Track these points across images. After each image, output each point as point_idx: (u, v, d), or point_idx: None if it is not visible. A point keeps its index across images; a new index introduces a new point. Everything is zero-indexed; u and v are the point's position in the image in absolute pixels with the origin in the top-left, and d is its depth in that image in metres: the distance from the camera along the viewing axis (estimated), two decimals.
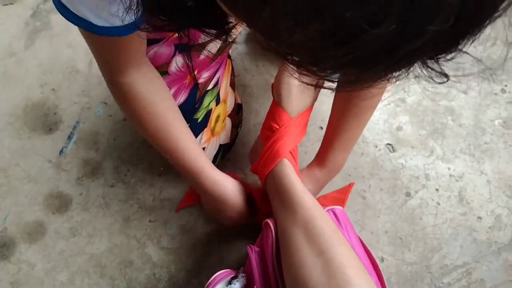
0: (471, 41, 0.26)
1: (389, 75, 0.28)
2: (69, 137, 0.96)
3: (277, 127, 0.73)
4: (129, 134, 0.96)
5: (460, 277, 0.83)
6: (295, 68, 0.29)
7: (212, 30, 0.47)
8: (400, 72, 0.27)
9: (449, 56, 0.27)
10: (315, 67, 0.27)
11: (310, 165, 0.79)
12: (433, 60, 0.27)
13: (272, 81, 0.78)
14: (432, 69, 0.28)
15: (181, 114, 0.69)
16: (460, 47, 0.26)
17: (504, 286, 0.82)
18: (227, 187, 0.73)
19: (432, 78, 0.29)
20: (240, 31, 0.74)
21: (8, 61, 1.05)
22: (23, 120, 0.98)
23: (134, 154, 0.94)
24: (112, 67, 0.59)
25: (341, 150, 0.74)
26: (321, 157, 0.76)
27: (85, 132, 0.97)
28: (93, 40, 0.55)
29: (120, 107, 0.67)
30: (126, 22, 0.49)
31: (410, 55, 0.24)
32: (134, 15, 0.42)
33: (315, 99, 0.76)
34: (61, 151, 0.95)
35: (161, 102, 0.64)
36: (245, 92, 1.00)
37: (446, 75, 0.31)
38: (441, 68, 0.28)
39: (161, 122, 0.65)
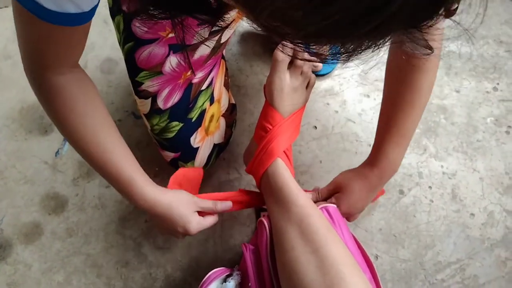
0: (450, 8, 0.26)
1: (373, 43, 0.28)
2: (65, 139, 0.97)
3: (270, 127, 0.73)
4: (124, 136, 0.96)
5: (454, 273, 0.84)
6: (279, 41, 0.29)
7: (204, 16, 0.44)
8: (383, 39, 0.28)
9: (430, 23, 0.27)
10: (297, 35, 0.28)
11: (361, 165, 0.73)
12: (416, 30, 0.28)
13: None
14: (416, 39, 0.29)
15: (114, 124, 0.64)
16: (440, 13, 0.26)
17: (497, 281, 0.83)
18: (163, 204, 0.66)
19: (417, 50, 0.30)
20: (234, 31, 0.75)
21: (4, 63, 1.05)
22: (19, 122, 0.99)
23: None
24: (45, 60, 0.53)
25: (394, 146, 0.67)
26: (373, 155, 0.70)
27: None
28: (32, 26, 0.47)
29: (44, 105, 0.59)
30: (84, 9, 0.45)
31: (389, 19, 0.25)
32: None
33: (307, 98, 0.77)
34: (57, 153, 0.96)
35: (91, 105, 0.60)
36: (240, 93, 1.01)
37: (430, 47, 0.32)
38: (425, 40, 0.29)
39: (90, 126, 0.59)
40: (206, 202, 0.72)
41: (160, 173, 0.93)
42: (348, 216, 0.74)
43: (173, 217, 0.66)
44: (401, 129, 0.65)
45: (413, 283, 0.83)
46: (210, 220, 0.72)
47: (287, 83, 0.73)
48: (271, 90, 0.73)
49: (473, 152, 0.95)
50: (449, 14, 0.77)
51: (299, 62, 0.73)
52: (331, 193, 0.74)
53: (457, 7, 0.29)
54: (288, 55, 0.72)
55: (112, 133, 0.62)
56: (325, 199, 0.74)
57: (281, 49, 0.72)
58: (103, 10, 1.14)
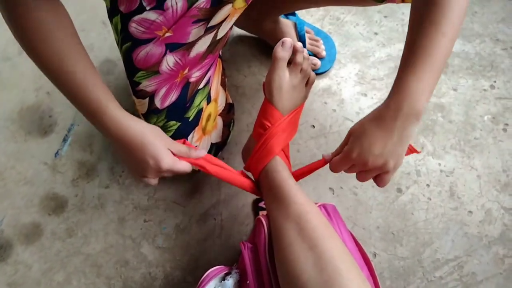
0: None
1: None
2: (64, 140, 0.97)
3: (269, 125, 0.74)
4: None
5: (452, 270, 0.85)
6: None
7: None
8: None
9: None
10: None
11: (378, 107, 0.62)
12: None
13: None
14: None
15: (85, 51, 0.62)
16: None
17: (494, 279, 0.84)
18: (136, 130, 0.62)
19: None
20: (231, 29, 0.75)
21: (3, 65, 1.06)
22: (18, 124, 0.99)
23: None
24: None
25: (415, 76, 0.55)
26: (391, 91, 0.59)
27: (79, 134, 0.98)
28: None
29: (15, 28, 0.58)
30: None
31: None
32: None
33: (306, 96, 0.78)
34: (56, 154, 0.96)
35: (63, 28, 0.58)
36: (238, 92, 1.02)
37: None
38: None
39: (60, 45, 0.58)
40: (180, 145, 0.69)
41: None
42: (371, 169, 0.61)
43: (145, 148, 0.62)
44: (426, 56, 0.55)
45: (411, 281, 0.84)
46: (183, 165, 0.67)
47: (286, 80, 0.73)
48: (271, 87, 0.74)
49: (470, 150, 0.95)
50: None
51: (298, 59, 0.74)
52: (344, 145, 0.65)
53: None
54: (288, 52, 0.73)
55: (83, 59, 0.61)
56: (339, 153, 0.66)
57: (281, 46, 0.72)
58: (102, 11, 1.15)
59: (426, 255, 0.86)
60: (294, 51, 0.74)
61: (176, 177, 0.92)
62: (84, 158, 0.95)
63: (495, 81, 1.03)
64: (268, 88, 0.74)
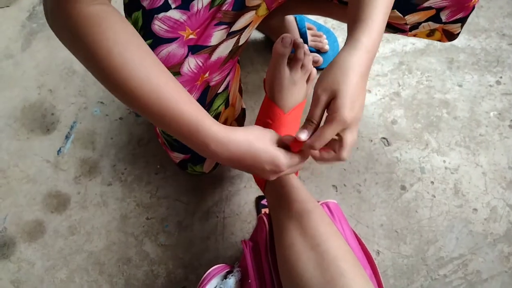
0: None
1: None
2: (67, 137, 0.97)
3: (271, 122, 0.73)
4: (125, 133, 0.97)
5: (456, 268, 0.84)
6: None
7: None
8: None
9: None
10: None
11: (341, 49, 0.54)
12: None
13: None
14: None
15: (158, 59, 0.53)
16: None
17: (500, 277, 0.83)
18: (239, 140, 0.53)
19: None
20: (250, 35, 0.74)
21: (5, 63, 1.06)
22: (21, 122, 0.99)
23: (130, 152, 0.95)
24: None
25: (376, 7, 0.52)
26: (352, 31, 0.53)
27: (82, 132, 0.98)
28: None
29: (77, 47, 0.49)
30: None
31: None
32: None
33: (307, 93, 0.77)
34: (59, 151, 0.96)
35: (134, 40, 0.50)
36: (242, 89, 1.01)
37: None
38: None
39: (140, 64, 0.49)
40: (283, 137, 0.58)
41: (162, 171, 0.93)
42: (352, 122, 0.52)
43: (256, 154, 0.54)
44: None
45: (415, 279, 0.83)
46: (297, 158, 0.57)
47: (287, 77, 0.72)
48: (271, 84, 0.73)
49: (475, 146, 0.94)
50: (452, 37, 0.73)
51: (299, 55, 0.73)
52: (324, 108, 0.53)
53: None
54: (288, 48, 0.72)
55: (162, 69, 0.52)
56: (320, 118, 0.54)
57: (281, 43, 0.72)
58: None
59: (430, 253, 0.85)
60: (294, 47, 0.73)
61: (179, 174, 0.92)
62: (87, 156, 0.95)
63: (501, 77, 1.02)
64: (268, 85, 0.74)
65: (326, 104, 0.52)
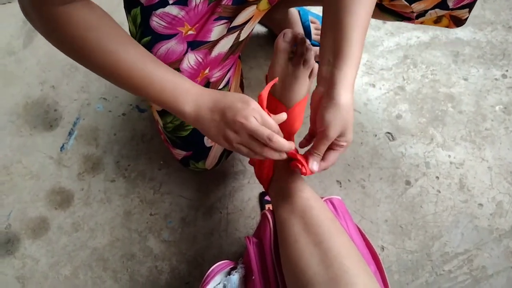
0: None
1: None
2: (70, 134, 0.97)
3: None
4: (129, 129, 0.97)
5: (461, 264, 0.83)
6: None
7: None
8: None
9: None
10: None
11: (317, 88, 0.60)
12: None
13: None
14: None
15: (128, 35, 0.57)
16: None
17: (505, 272, 0.82)
18: (215, 91, 0.58)
19: None
20: (252, 30, 0.74)
21: (8, 60, 1.05)
22: (24, 118, 0.99)
23: (134, 148, 0.95)
24: None
25: (356, 34, 0.56)
26: (334, 57, 0.57)
27: (85, 128, 0.97)
28: None
29: (54, 40, 0.55)
30: None
31: None
32: None
33: (309, 88, 0.76)
34: (62, 148, 0.96)
35: (108, 29, 0.54)
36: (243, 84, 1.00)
37: None
38: None
39: (113, 52, 0.54)
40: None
41: (165, 167, 0.93)
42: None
43: (227, 102, 0.56)
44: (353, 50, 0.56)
45: (420, 275, 0.82)
46: (271, 120, 0.58)
47: (289, 72, 0.72)
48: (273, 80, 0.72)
49: (481, 141, 0.93)
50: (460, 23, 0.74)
51: (301, 50, 0.72)
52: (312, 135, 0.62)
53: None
54: (290, 44, 0.71)
55: (135, 47, 0.56)
56: (311, 138, 0.64)
57: (282, 38, 0.71)
58: (108, 4, 1.13)
59: (435, 249, 0.84)
60: (296, 42, 0.72)
61: (182, 170, 0.92)
62: (90, 152, 0.95)
63: (507, 70, 1.00)
64: (270, 80, 0.73)
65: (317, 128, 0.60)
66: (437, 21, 0.75)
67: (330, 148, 0.60)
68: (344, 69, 0.56)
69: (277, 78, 0.63)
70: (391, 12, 0.73)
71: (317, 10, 1.09)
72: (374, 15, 0.79)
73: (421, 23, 0.75)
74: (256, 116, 0.56)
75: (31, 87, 1.02)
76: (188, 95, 0.57)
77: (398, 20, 0.76)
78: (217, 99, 0.57)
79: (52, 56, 1.05)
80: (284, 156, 0.60)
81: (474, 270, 0.83)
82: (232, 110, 0.56)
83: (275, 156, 0.59)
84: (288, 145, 0.58)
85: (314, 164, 0.60)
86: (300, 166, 0.60)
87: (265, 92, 0.60)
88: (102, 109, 0.99)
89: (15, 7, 1.11)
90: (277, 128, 0.59)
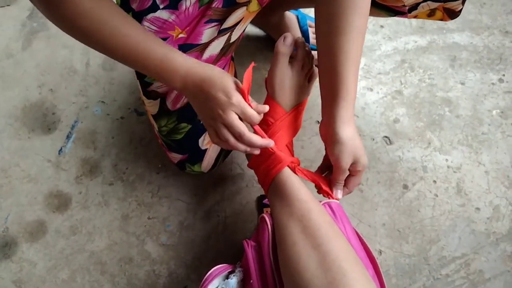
0: None
1: None
2: (68, 137, 0.97)
3: (272, 121, 0.73)
4: (127, 133, 0.97)
5: (459, 268, 0.83)
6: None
7: None
8: None
9: None
10: None
11: (322, 122, 0.68)
12: None
13: None
14: None
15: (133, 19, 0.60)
16: None
17: (502, 276, 0.82)
18: (205, 67, 0.60)
19: None
20: (243, 32, 0.74)
21: (6, 62, 1.05)
22: (22, 121, 0.99)
23: (132, 152, 0.95)
24: None
25: (349, 74, 0.62)
26: (334, 94, 0.63)
27: (83, 131, 0.97)
28: None
29: (63, 27, 0.56)
30: None
31: None
32: None
33: (308, 93, 0.76)
34: (60, 151, 0.96)
35: (109, 9, 0.56)
36: None
37: None
38: None
39: (115, 29, 0.56)
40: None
41: (163, 170, 0.93)
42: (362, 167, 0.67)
43: (213, 81, 0.59)
44: (348, 54, 0.61)
45: (417, 278, 0.83)
46: (252, 111, 0.62)
47: (288, 76, 0.72)
48: (273, 83, 0.73)
49: (478, 145, 0.94)
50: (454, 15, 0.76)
51: (300, 55, 0.73)
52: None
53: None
54: (289, 48, 0.72)
55: (131, 22, 0.58)
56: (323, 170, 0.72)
57: (282, 41, 0.71)
58: None
59: (433, 253, 0.85)
60: (296, 46, 0.73)
61: (180, 173, 0.92)
62: (88, 155, 0.95)
63: (503, 75, 1.01)
64: (270, 84, 0.73)
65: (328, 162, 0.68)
66: (430, 15, 0.75)
67: (350, 174, 0.68)
68: (341, 106, 0.63)
69: (253, 63, 0.66)
70: (383, 7, 0.74)
71: None
72: None
73: (415, 17, 0.75)
74: (236, 110, 0.60)
75: (30, 90, 1.02)
76: (178, 71, 0.60)
77: (391, 16, 0.76)
78: (204, 81, 0.60)
79: (50, 59, 1.05)
80: (257, 152, 0.67)
81: (471, 274, 0.83)
82: (214, 100, 0.60)
83: (247, 151, 0.65)
84: (262, 142, 0.64)
85: (338, 193, 0.69)
86: (326, 195, 0.69)
87: (246, 84, 0.62)
88: (100, 113, 0.99)
89: (14, 10, 1.12)
90: (257, 118, 0.64)
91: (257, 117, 0.63)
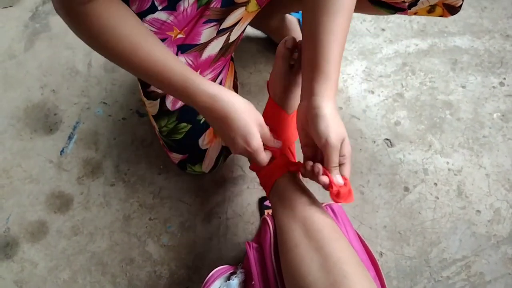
0: None
1: None
2: (70, 137, 0.97)
3: (275, 124, 0.73)
4: (128, 133, 0.97)
5: (459, 270, 0.84)
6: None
7: None
8: None
9: None
10: None
11: (301, 104, 0.63)
12: None
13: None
14: None
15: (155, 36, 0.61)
16: None
17: (503, 279, 0.83)
18: (226, 100, 0.60)
19: None
20: (243, 32, 0.74)
21: (8, 63, 1.06)
22: (24, 122, 0.99)
23: (133, 153, 0.95)
24: None
25: (333, 52, 0.60)
26: (314, 72, 0.60)
27: (85, 132, 0.98)
28: None
29: (87, 41, 0.57)
30: None
31: None
32: None
33: None
34: (61, 151, 0.96)
35: (132, 27, 0.57)
36: (243, 90, 1.01)
37: None
38: None
39: (137, 46, 0.57)
40: (266, 127, 0.64)
41: (165, 171, 0.93)
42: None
43: (234, 123, 0.60)
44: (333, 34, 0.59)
45: (418, 281, 0.83)
46: (263, 156, 0.64)
47: (290, 79, 0.72)
48: (274, 86, 0.73)
49: (479, 148, 0.94)
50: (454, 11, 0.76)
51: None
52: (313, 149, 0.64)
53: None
54: (291, 50, 0.72)
55: (154, 41, 0.59)
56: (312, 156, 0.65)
57: (284, 44, 0.71)
58: None
59: (433, 255, 0.85)
60: (298, 49, 0.73)
61: (182, 175, 0.92)
62: (90, 156, 0.95)
63: (504, 78, 1.02)
64: (272, 87, 0.74)
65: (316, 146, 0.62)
66: (430, 11, 0.75)
67: (339, 164, 0.62)
68: (324, 82, 0.59)
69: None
70: (383, 5, 0.74)
71: None
72: (367, 10, 0.80)
73: (415, 13, 0.74)
74: (251, 152, 0.62)
75: (32, 91, 1.02)
76: (200, 98, 0.60)
77: (391, 13, 0.76)
78: (227, 118, 0.60)
79: (53, 60, 1.06)
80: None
81: (472, 277, 0.83)
82: (232, 140, 0.61)
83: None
84: (266, 161, 0.65)
85: (337, 177, 0.61)
86: (329, 187, 0.61)
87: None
88: (102, 113, 0.99)
89: (17, 11, 1.12)
90: (264, 163, 0.65)
91: (265, 163, 0.65)
